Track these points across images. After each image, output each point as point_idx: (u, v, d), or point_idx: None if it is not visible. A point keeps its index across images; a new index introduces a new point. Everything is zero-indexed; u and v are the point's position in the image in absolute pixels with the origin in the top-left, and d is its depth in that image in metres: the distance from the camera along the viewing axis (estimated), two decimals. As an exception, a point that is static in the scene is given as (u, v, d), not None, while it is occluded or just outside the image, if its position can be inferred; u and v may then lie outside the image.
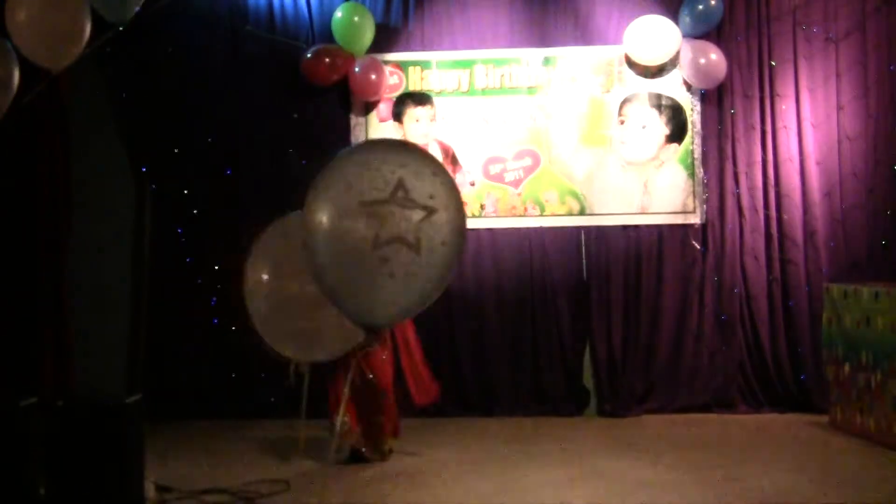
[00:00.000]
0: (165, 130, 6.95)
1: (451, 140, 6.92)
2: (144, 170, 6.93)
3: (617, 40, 6.77)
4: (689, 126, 6.85)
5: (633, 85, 6.87)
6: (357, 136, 6.91)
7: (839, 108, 6.74)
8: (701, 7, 6.57)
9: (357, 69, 6.69)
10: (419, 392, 5.56)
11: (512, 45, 6.94)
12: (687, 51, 6.63)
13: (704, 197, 6.82)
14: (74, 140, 5.75)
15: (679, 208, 6.84)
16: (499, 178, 6.91)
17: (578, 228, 6.87)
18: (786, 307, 6.74)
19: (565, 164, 6.89)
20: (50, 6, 4.35)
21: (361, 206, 3.83)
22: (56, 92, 5.42)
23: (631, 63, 6.80)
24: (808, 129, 6.75)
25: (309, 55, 6.66)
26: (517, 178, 6.89)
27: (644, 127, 6.89)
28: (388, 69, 6.80)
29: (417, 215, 3.82)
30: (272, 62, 6.94)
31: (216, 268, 6.88)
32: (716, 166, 6.84)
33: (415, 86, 6.95)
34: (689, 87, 6.84)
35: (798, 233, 6.74)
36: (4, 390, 5.18)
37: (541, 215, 6.88)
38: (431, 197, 3.85)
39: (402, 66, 6.92)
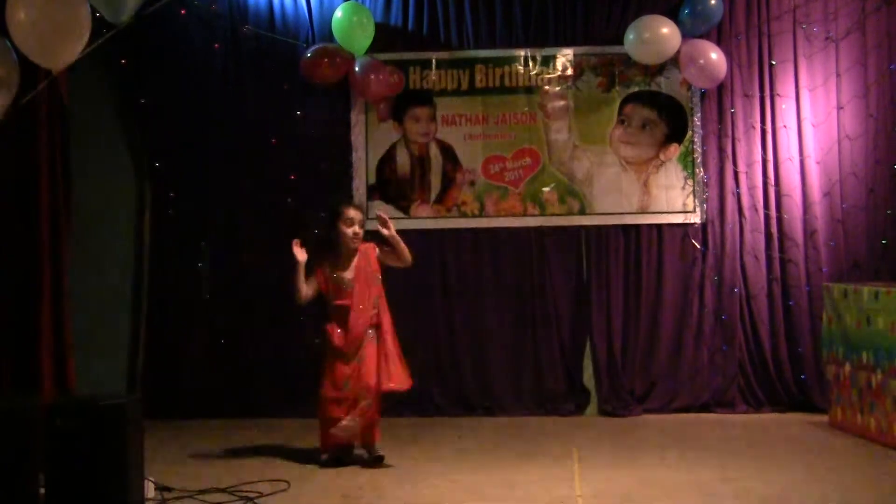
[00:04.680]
0: (166, 130, 6.96)
1: (451, 140, 6.92)
2: (145, 170, 6.94)
3: (617, 40, 6.76)
4: (689, 126, 6.85)
5: (633, 85, 6.88)
6: (357, 136, 6.92)
7: (839, 107, 6.74)
8: (701, 7, 6.56)
9: (357, 69, 6.68)
10: (385, 376, 5.37)
11: (512, 45, 6.93)
12: (687, 51, 6.62)
13: (704, 197, 6.82)
14: (74, 140, 5.74)
15: (679, 208, 6.84)
16: (499, 177, 6.90)
17: (578, 228, 6.87)
18: (786, 307, 6.74)
19: (565, 163, 6.89)
20: (50, 6, 4.34)
21: None
22: (56, 92, 5.41)
23: (631, 63, 6.80)
24: (808, 128, 6.75)
25: (309, 55, 6.65)
26: (517, 177, 6.89)
27: (644, 127, 6.89)
28: (388, 69, 6.79)
29: None
30: (272, 62, 6.93)
31: (215, 268, 6.90)
32: (716, 166, 6.84)
33: (415, 86, 6.95)
34: (689, 87, 6.84)
35: (798, 232, 6.74)
36: (4, 390, 5.19)
37: (541, 215, 6.88)
38: None
39: (402, 66, 6.91)
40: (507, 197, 6.89)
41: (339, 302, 5.38)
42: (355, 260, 5.42)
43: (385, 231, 5.35)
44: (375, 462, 5.32)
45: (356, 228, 5.39)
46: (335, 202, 5.61)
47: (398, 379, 5.38)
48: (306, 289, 5.36)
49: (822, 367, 6.42)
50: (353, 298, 5.35)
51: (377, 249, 5.48)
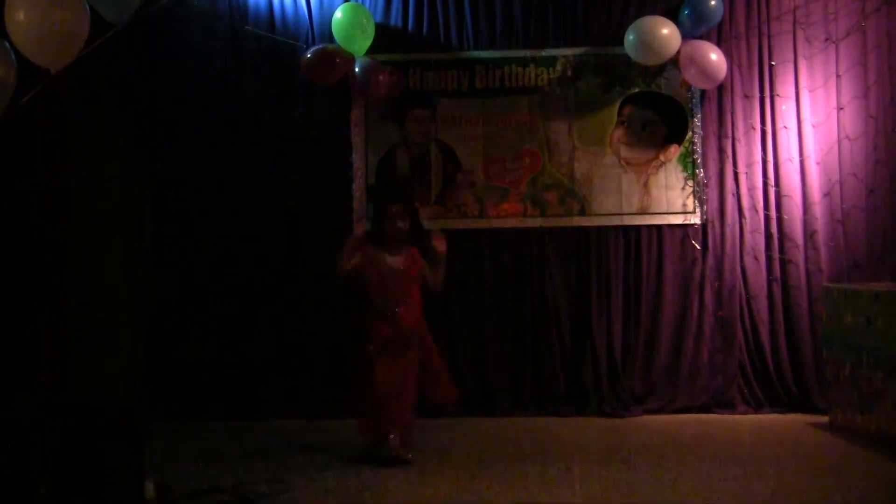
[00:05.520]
0: (165, 130, 6.95)
1: (451, 141, 6.92)
2: (144, 170, 6.93)
3: (617, 41, 6.75)
4: (689, 127, 6.85)
5: (633, 86, 6.88)
6: (357, 137, 6.92)
7: (839, 108, 6.74)
8: (701, 7, 6.56)
9: (357, 69, 6.68)
10: (436, 390, 5.62)
11: (512, 46, 6.93)
12: (687, 51, 6.62)
13: (704, 197, 6.82)
14: (74, 140, 5.74)
15: (679, 208, 6.84)
16: (499, 178, 6.90)
17: (578, 228, 6.88)
18: (786, 307, 6.74)
19: (565, 164, 6.89)
20: (49, 6, 4.34)
21: None
22: (56, 92, 5.41)
23: (631, 63, 6.80)
24: (808, 129, 6.75)
25: (309, 55, 6.65)
26: (517, 178, 6.89)
27: (644, 128, 6.89)
28: (388, 70, 6.78)
29: None
30: (272, 62, 6.94)
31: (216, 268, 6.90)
32: (716, 166, 6.84)
33: (415, 87, 6.95)
34: (689, 88, 6.84)
35: (798, 233, 6.74)
36: (4, 391, 5.19)
37: (541, 215, 6.88)
38: None
39: (402, 67, 6.91)
40: (507, 198, 6.89)
41: (382, 292, 5.37)
42: (402, 256, 5.47)
43: (438, 247, 5.46)
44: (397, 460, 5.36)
45: (398, 223, 5.46)
46: (377, 200, 5.80)
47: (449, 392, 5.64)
48: (350, 261, 5.33)
49: (822, 368, 6.42)
50: (400, 290, 5.40)
51: (422, 259, 5.56)
